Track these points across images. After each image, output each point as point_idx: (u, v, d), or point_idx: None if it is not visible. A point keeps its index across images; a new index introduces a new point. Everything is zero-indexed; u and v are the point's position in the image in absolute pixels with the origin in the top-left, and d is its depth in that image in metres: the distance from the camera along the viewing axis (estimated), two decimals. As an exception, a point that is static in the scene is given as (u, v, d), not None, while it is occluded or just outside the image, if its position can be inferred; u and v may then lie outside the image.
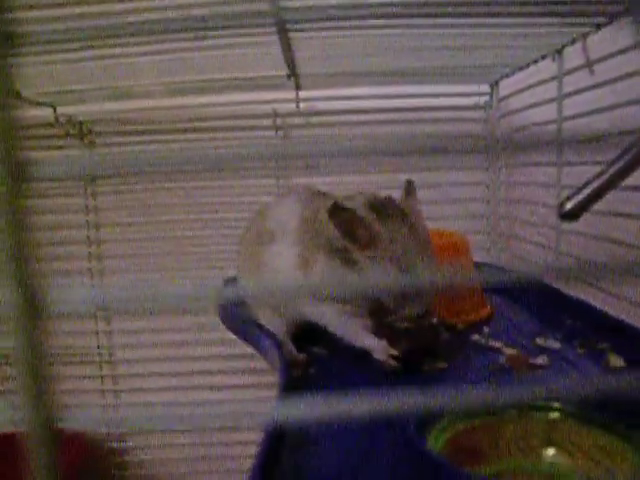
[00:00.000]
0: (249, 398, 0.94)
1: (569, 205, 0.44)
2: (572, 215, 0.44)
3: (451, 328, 0.55)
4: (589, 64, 0.60)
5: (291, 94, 0.84)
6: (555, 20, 0.57)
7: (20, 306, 0.09)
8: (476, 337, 0.53)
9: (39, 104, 0.81)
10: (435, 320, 0.47)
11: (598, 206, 0.44)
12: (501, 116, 0.86)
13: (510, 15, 0.56)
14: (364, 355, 0.46)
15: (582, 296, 0.57)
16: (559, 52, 0.65)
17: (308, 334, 0.51)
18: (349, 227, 0.44)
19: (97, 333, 0.95)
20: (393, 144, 0.12)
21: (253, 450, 0.28)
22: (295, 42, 0.59)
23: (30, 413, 0.10)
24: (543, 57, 0.69)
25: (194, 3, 0.47)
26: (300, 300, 0.49)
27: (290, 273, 0.49)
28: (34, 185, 0.10)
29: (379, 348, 0.45)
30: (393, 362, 0.44)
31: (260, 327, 0.53)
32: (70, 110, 0.86)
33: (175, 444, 0.97)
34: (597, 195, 0.44)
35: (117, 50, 0.61)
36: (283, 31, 0.51)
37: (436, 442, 0.33)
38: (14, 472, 0.61)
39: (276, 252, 0.51)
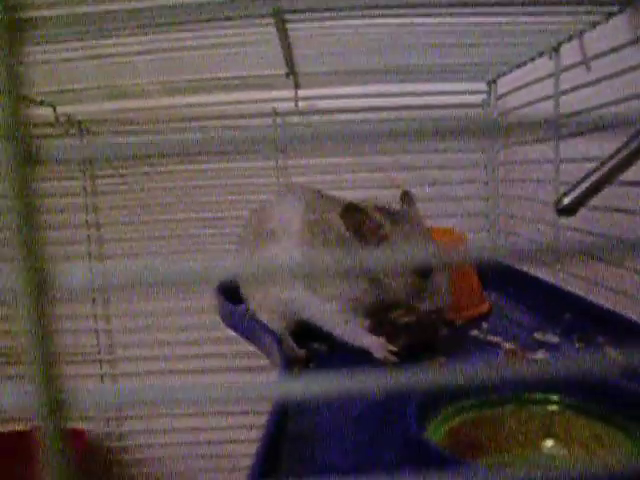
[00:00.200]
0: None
1: (566, 200, 0.44)
2: (569, 210, 0.45)
3: (450, 323, 0.55)
4: (586, 61, 0.60)
5: (290, 93, 0.84)
6: (552, 18, 0.58)
7: (31, 285, 0.09)
8: (475, 332, 0.53)
9: (39, 103, 0.81)
10: (434, 316, 0.47)
11: (595, 202, 0.45)
12: (499, 114, 0.86)
13: (507, 13, 0.56)
14: (364, 350, 0.46)
15: (577, 290, 0.57)
16: (556, 49, 0.65)
17: (307, 330, 0.51)
18: (360, 227, 0.45)
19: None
20: (394, 126, 0.12)
21: (252, 449, 0.28)
22: (294, 40, 0.60)
23: (39, 391, 0.10)
24: (540, 54, 0.69)
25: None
26: (297, 300, 0.50)
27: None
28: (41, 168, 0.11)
29: (377, 346, 0.46)
30: (392, 358, 0.45)
31: (260, 324, 0.53)
32: (69, 109, 0.86)
33: (175, 443, 0.97)
34: (594, 190, 0.44)
35: (115, 49, 0.62)
36: (281, 22, 0.51)
37: (435, 434, 0.33)
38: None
39: (278, 252, 0.51)
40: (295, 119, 0.89)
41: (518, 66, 0.77)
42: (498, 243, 0.87)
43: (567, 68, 0.64)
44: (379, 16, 0.56)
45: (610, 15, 0.55)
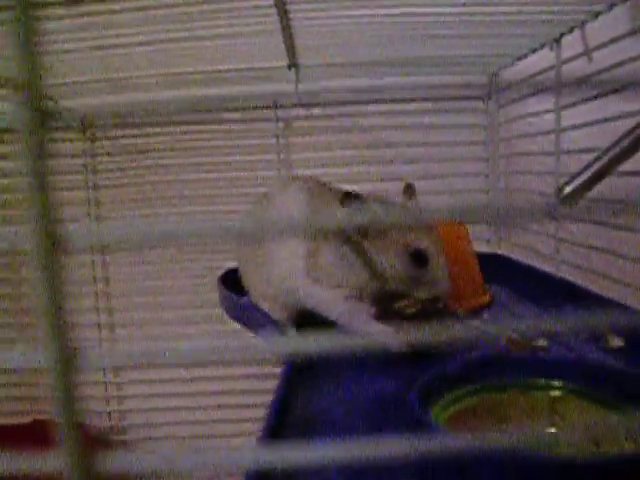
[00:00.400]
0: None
1: (568, 189, 0.45)
2: (571, 199, 0.45)
3: (452, 314, 0.55)
4: (588, 52, 0.60)
5: (292, 85, 0.84)
6: (553, 8, 0.58)
7: (43, 239, 0.10)
8: (476, 322, 0.53)
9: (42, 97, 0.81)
10: (441, 305, 0.47)
11: (597, 192, 0.45)
12: (500, 106, 0.87)
13: (508, 3, 0.57)
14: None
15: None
16: (557, 41, 0.66)
17: (310, 319, 0.51)
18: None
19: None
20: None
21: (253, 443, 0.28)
22: (296, 30, 0.60)
23: (51, 345, 0.10)
24: (542, 46, 0.69)
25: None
26: (300, 289, 0.50)
27: (294, 259, 0.49)
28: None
29: (387, 334, 0.46)
30: (405, 348, 0.45)
31: (262, 313, 0.53)
32: (71, 103, 0.86)
33: (177, 436, 0.97)
34: (595, 179, 0.44)
35: (116, 40, 0.62)
36: (283, 12, 0.51)
37: (437, 420, 0.33)
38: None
39: (280, 242, 0.51)
40: (296, 111, 0.89)
41: (519, 58, 0.77)
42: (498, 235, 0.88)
43: (569, 59, 0.64)
44: (380, 7, 0.56)
45: (612, 5, 0.55)
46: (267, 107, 0.88)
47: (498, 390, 0.36)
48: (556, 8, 0.57)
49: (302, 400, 0.38)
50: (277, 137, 0.88)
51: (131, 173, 0.91)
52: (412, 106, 0.88)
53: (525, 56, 0.75)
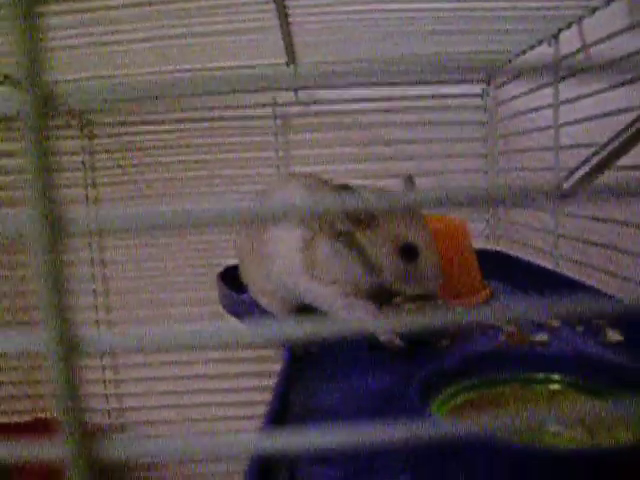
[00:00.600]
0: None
1: (567, 184, 0.45)
2: (570, 194, 0.45)
3: (451, 309, 0.55)
4: (585, 48, 0.60)
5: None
6: (550, 4, 0.58)
7: (45, 226, 0.10)
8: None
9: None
10: (440, 301, 0.47)
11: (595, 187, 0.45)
12: (498, 103, 0.87)
13: (506, 0, 0.57)
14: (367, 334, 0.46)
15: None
16: (555, 36, 0.66)
17: (309, 313, 0.51)
18: None
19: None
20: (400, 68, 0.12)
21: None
22: (294, 28, 0.60)
23: (52, 330, 0.10)
24: (540, 42, 0.69)
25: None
26: (298, 282, 0.50)
27: (292, 255, 0.49)
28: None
29: (384, 328, 0.46)
30: (399, 342, 0.45)
31: (261, 310, 0.53)
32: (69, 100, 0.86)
33: (175, 433, 0.97)
34: (594, 173, 0.44)
35: (114, 37, 0.62)
36: (282, 8, 0.51)
37: (438, 413, 0.33)
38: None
39: (278, 235, 0.51)
40: (295, 109, 0.89)
41: (517, 55, 0.77)
42: (497, 232, 0.88)
43: (567, 55, 0.64)
44: (379, 3, 0.56)
45: (609, 0, 0.55)
46: (266, 104, 0.88)
47: (497, 384, 0.36)
48: (553, 4, 0.57)
49: (301, 393, 0.38)
50: (276, 134, 0.88)
51: (130, 170, 0.91)
52: (410, 103, 0.88)
53: (523, 52, 0.75)
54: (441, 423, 0.13)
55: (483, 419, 0.13)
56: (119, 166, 0.91)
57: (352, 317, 0.47)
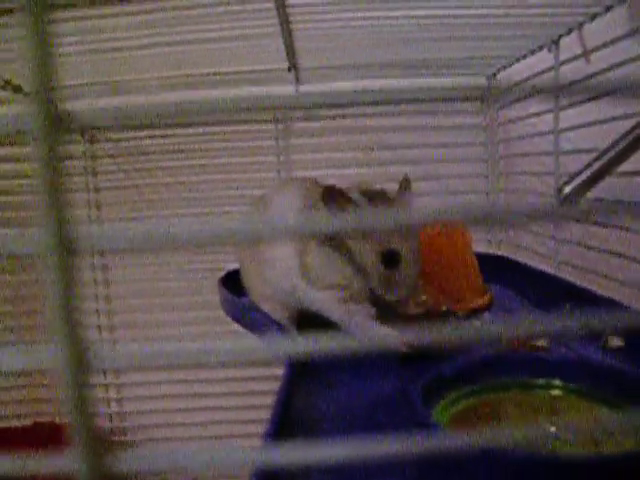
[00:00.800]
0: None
1: (568, 189, 0.45)
2: (571, 199, 0.45)
3: (452, 314, 0.55)
4: (586, 53, 0.61)
5: (291, 87, 0.84)
6: (551, 10, 0.58)
7: (57, 243, 0.10)
8: (477, 323, 0.54)
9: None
10: (445, 307, 0.47)
11: (596, 192, 0.45)
12: (499, 108, 0.87)
13: (507, 6, 0.57)
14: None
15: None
16: (555, 42, 0.66)
17: (311, 319, 0.51)
18: (340, 209, 0.45)
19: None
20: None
21: (255, 443, 0.28)
22: (295, 33, 0.60)
23: (64, 346, 0.10)
24: (540, 48, 0.69)
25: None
26: (297, 288, 0.50)
27: (289, 260, 0.50)
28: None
29: (393, 337, 0.45)
30: (408, 349, 0.45)
31: (263, 314, 0.53)
32: (70, 106, 0.86)
33: (177, 438, 0.97)
34: (595, 179, 0.44)
35: (116, 44, 0.62)
36: (284, 13, 0.51)
37: (439, 421, 0.33)
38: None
39: (276, 242, 0.51)
40: (296, 113, 0.89)
41: (517, 60, 0.77)
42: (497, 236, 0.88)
43: (567, 61, 0.65)
44: (379, 9, 0.57)
45: (609, 7, 0.55)
46: (266, 109, 0.88)
47: (499, 390, 0.36)
48: (554, 10, 0.57)
49: (303, 399, 0.38)
50: (276, 139, 0.89)
51: (131, 175, 0.91)
52: (411, 108, 0.88)
53: (524, 57, 0.75)
54: (446, 436, 0.13)
55: (487, 433, 0.13)
56: (121, 171, 0.91)
57: (350, 322, 0.47)
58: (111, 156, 0.91)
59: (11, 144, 0.81)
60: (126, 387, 0.98)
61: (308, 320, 0.52)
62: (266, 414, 0.31)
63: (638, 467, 0.23)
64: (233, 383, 0.95)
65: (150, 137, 0.89)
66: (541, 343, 0.46)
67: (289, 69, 0.75)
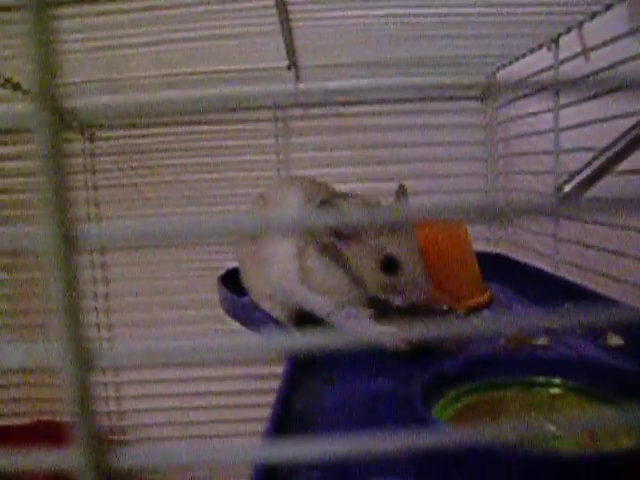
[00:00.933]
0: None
1: (567, 187, 0.45)
2: (570, 197, 0.45)
3: (452, 313, 0.55)
4: (585, 52, 0.61)
5: (291, 86, 0.84)
6: (551, 9, 0.58)
7: (61, 240, 0.10)
8: (476, 320, 0.54)
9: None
10: (446, 306, 0.47)
11: (596, 191, 0.45)
12: (499, 107, 0.87)
13: (506, 4, 0.57)
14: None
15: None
16: (555, 41, 0.66)
17: (311, 318, 0.51)
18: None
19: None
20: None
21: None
22: (295, 31, 0.60)
23: (67, 344, 0.10)
24: (539, 46, 0.69)
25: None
26: (294, 290, 0.50)
27: (288, 262, 0.49)
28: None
29: (389, 335, 0.45)
30: (405, 346, 0.45)
31: (262, 313, 0.53)
32: (70, 103, 0.86)
33: (176, 437, 0.97)
34: (594, 178, 0.44)
35: (117, 41, 0.62)
36: (284, 11, 0.51)
37: (439, 418, 0.33)
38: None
39: (276, 241, 0.51)
40: (296, 111, 0.89)
41: (517, 59, 0.77)
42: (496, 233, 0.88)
43: (566, 60, 0.65)
44: (379, 7, 0.57)
45: (609, 5, 0.55)
46: (266, 107, 0.88)
47: (498, 388, 0.36)
48: (553, 9, 0.57)
49: (304, 396, 0.38)
50: (276, 137, 0.89)
51: (130, 173, 0.91)
52: (410, 106, 0.88)
53: (523, 56, 0.75)
54: (446, 432, 0.13)
55: (486, 429, 0.13)
56: (120, 169, 0.91)
57: (347, 326, 0.47)
58: (110, 154, 0.91)
59: (14, 143, 0.81)
60: (125, 385, 0.97)
61: (307, 319, 0.52)
62: (265, 413, 0.31)
63: (637, 465, 0.23)
64: (232, 382, 0.95)
65: (149, 135, 0.89)
66: (541, 341, 0.46)
67: (289, 67, 0.74)
